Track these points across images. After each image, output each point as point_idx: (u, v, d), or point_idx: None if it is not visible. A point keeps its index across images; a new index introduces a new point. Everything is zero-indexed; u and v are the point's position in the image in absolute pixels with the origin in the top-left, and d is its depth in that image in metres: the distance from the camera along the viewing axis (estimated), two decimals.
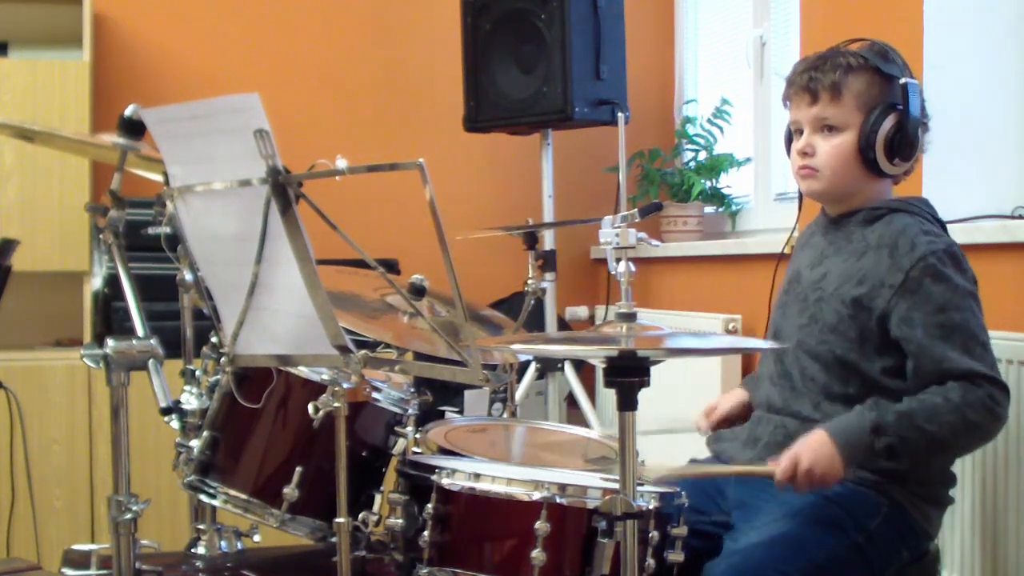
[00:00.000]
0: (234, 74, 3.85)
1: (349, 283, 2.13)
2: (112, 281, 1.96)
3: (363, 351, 1.64)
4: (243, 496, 1.93)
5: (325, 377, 1.79)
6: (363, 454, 1.98)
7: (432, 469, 1.79)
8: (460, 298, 1.56)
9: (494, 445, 2.25)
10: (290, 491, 1.88)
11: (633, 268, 1.57)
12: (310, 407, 1.67)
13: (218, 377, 2.03)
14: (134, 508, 1.85)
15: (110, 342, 1.83)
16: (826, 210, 2.07)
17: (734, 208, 3.76)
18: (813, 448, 1.80)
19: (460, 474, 1.76)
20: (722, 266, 3.51)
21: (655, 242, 1.65)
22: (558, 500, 1.69)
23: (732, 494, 1.99)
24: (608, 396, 3.60)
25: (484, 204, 4.01)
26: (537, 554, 1.66)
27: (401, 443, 1.94)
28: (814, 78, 1.95)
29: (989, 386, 1.81)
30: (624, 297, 1.58)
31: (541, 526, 1.66)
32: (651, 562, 1.72)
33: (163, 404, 1.87)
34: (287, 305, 1.64)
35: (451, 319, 2.12)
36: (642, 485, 1.80)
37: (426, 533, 1.74)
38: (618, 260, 1.58)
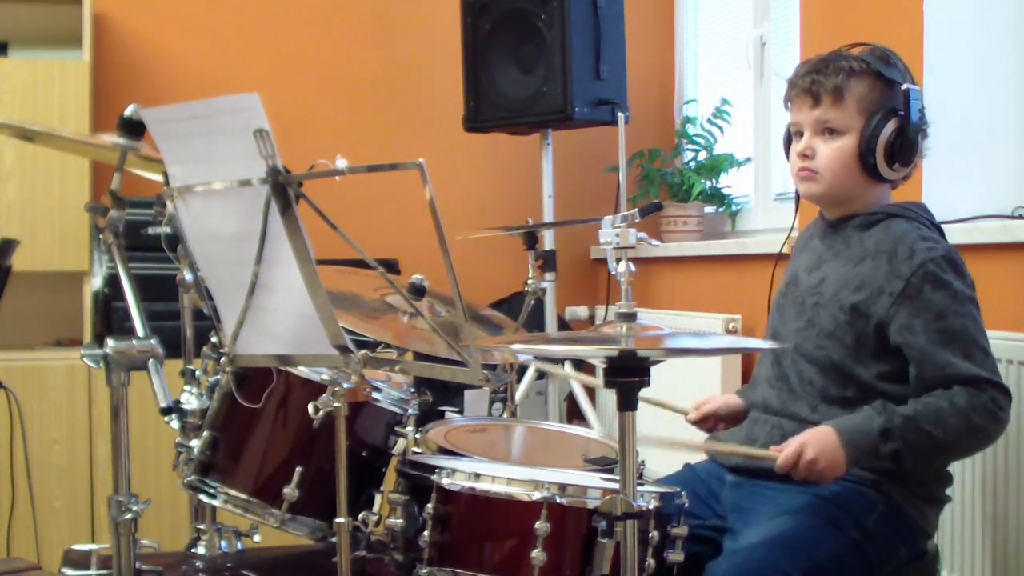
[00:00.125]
0: (234, 74, 3.85)
1: (349, 283, 2.13)
2: (112, 281, 1.96)
3: (363, 351, 1.64)
4: (243, 496, 1.93)
5: (325, 377, 1.79)
6: (363, 454, 1.98)
7: (432, 469, 1.79)
8: (460, 298, 1.56)
9: (494, 445, 2.26)
10: (290, 491, 1.88)
11: (633, 268, 1.57)
12: (310, 407, 1.67)
13: (218, 377, 2.03)
14: (134, 508, 1.85)
15: (110, 342, 1.83)
16: (824, 213, 2.07)
17: (734, 208, 3.76)
18: (819, 441, 1.81)
19: (460, 474, 1.76)
20: (722, 266, 3.51)
21: (655, 242, 1.65)
22: (558, 500, 1.69)
23: (728, 498, 2.00)
24: (608, 396, 3.59)
25: (484, 204, 4.01)
26: (537, 554, 1.66)
27: (401, 443, 1.94)
28: (816, 81, 1.95)
29: (992, 390, 1.82)
30: (624, 297, 1.58)
31: (541, 526, 1.66)
32: (651, 562, 1.72)
33: (163, 404, 1.87)
34: (287, 305, 1.64)
35: (451, 319, 2.12)
36: (643, 485, 1.80)
37: (426, 533, 1.74)
38: (618, 260, 1.58)
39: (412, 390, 2.03)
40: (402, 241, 3.49)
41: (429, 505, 1.75)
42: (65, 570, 2.15)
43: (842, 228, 2.01)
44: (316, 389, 1.82)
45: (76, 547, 2.22)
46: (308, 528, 1.93)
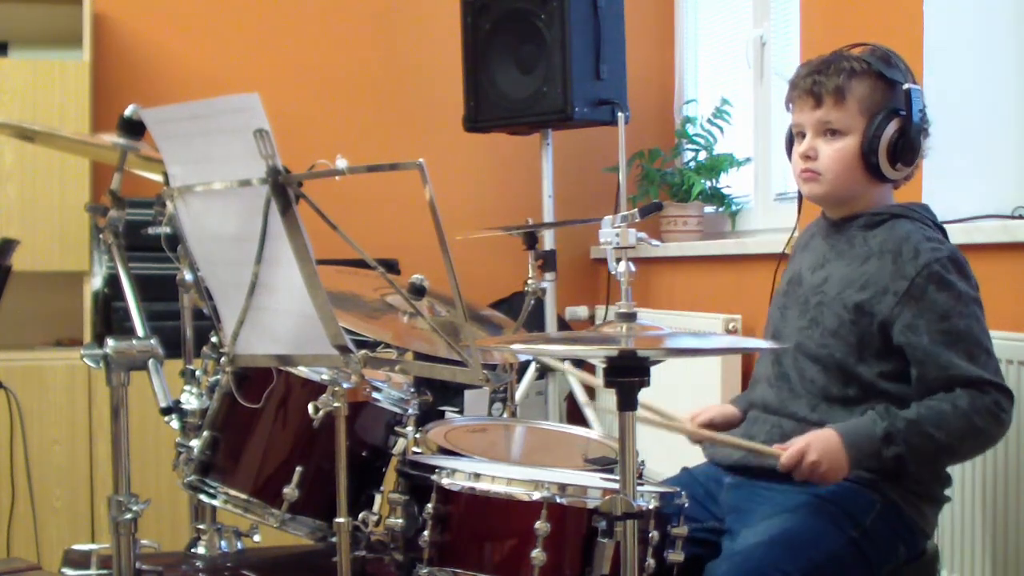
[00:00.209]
0: (234, 74, 3.85)
1: (349, 283, 2.13)
2: (112, 281, 1.96)
3: (363, 351, 1.64)
4: (243, 496, 1.93)
5: (325, 377, 1.78)
6: (363, 454, 1.98)
7: (432, 469, 1.79)
8: (460, 298, 1.56)
9: (494, 445, 2.26)
10: (290, 491, 1.88)
11: (633, 268, 1.57)
12: (310, 407, 1.67)
13: (218, 377, 2.03)
14: (134, 508, 1.85)
15: (110, 342, 1.83)
16: (826, 213, 2.07)
17: (734, 208, 3.76)
18: (823, 443, 1.81)
19: (460, 474, 1.76)
20: (722, 266, 3.51)
21: (655, 242, 1.65)
22: (558, 500, 1.69)
23: (725, 499, 2.00)
24: (608, 396, 3.59)
25: (484, 204, 4.01)
26: (537, 554, 1.66)
27: (401, 443, 1.94)
28: (818, 82, 1.95)
29: (995, 392, 1.82)
30: (624, 297, 1.58)
31: (541, 526, 1.66)
32: (651, 562, 1.72)
33: (163, 404, 1.87)
34: (287, 305, 1.64)
35: (451, 319, 2.12)
36: (643, 485, 1.80)
37: (426, 533, 1.74)
38: (618, 260, 1.58)
39: (412, 390, 2.03)
40: (402, 241, 3.49)
41: (429, 505, 1.75)
42: (65, 570, 2.15)
43: (846, 228, 2.01)
44: (316, 389, 1.82)
45: (76, 547, 2.22)
46: (308, 528, 1.93)
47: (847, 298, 1.92)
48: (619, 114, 1.70)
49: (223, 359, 1.77)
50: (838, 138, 1.95)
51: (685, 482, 2.06)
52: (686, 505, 1.81)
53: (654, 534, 1.73)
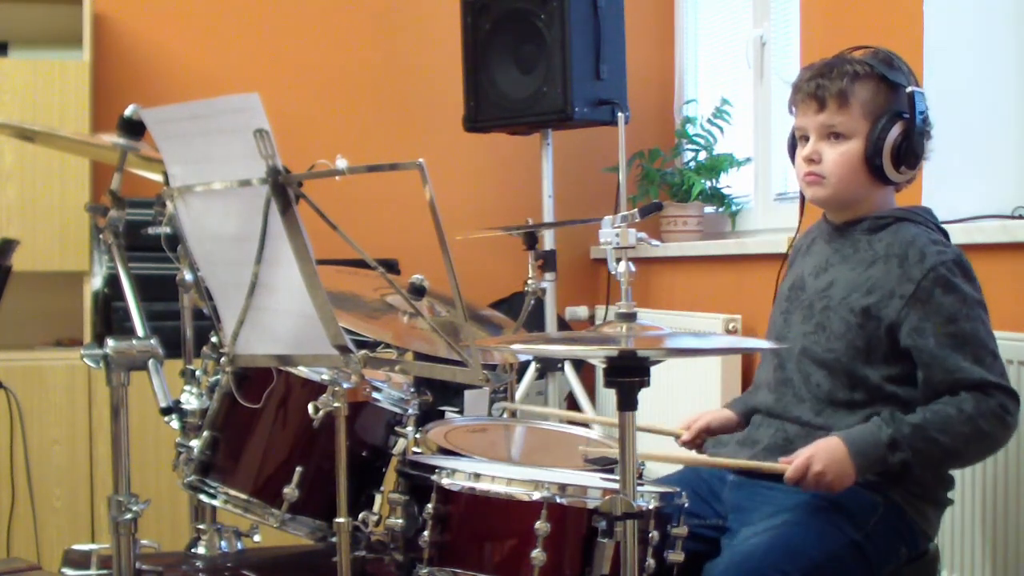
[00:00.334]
0: (234, 74, 3.85)
1: (349, 283, 2.13)
2: (112, 281, 1.96)
3: (363, 351, 1.64)
4: (243, 496, 1.93)
5: (325, 377, 1.78)
6: (363, 454, 1.98)
7: (432, 469, 1.79)
8: (460, 298, 1.56)
9: (494, 445, 2.26)
10: (290, 491, 1.88)
11: (633, 268, 1.57)
12: (310, 407, 1.68)
13: (218, 377, 2.03)
14: (134, 508, 1.85)
15: (110, 342, 1.83)
16: (828, 217, 2.07)
17: (734, 208, 3.76)
18: (828, 453, 1.81)
19: (460, 474, 1.76)
20: (722, 266, 3.51)
21: (655, 242, 1.65)
22: (558, 500, 1.69)
23: (727, 498, 2.00)
24: (608, 396, 3.60)
25: (484, 204, 4.01)
26: (537, 554, 1.66)
27: (401, 443, 1.94)
28: (821, 85, 1.95)
29: (1001, 395, 1.82)
30: (624, 297, 1.58)
31: (541, 526, 1.66)
32: (651, 562, 1.72)
33: (163, 404, 1.87)
34: (287, 305, 1.64)
35: (451, 319, 2.12)
36: (643, 485, 1.80)
37: (426, 533, 1.74)
38: (618, 260, 1.58)
39: (412, 390, 2.03)
40: (402, 241, 3.49)
41: (429, 505, 1.75)
42: (65, 570, 2.15)
43: (849, 232, 2.00)
44: (316, 389, 1.82)
45: (76, 547, 2.22)
46: (308, 528, 1.93)
47: (853, 302, 1.92)
48: (619, 114, 1.70)
49: (223, 359, 1.77)
50: (842, 141, 1.95)
51: (689, 477, 2.06)
52: (686, 505, 1.81)
53: (654, 534, 1.73)
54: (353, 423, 1.90)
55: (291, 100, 3.86)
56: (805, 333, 1.99)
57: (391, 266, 3.61)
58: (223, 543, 2.19)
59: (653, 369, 1.52)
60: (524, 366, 3.48)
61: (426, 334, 2.03)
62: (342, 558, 1.66)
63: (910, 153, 1.94)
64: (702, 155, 3.83)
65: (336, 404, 1.65)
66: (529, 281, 2.54)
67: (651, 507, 1.72)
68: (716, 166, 3.75)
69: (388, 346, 2.02)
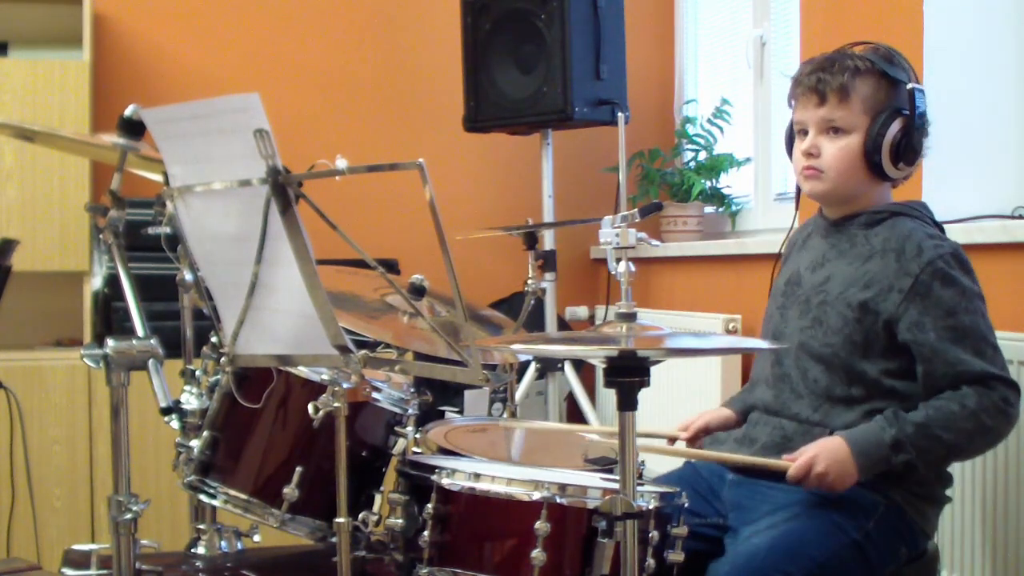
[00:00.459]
0: (234, 74, 3.85)
1: (349, 283, 2.13)
2: (112, 281, 1.96)
3: (363, 351, 1.64)
4: (243, 496, 1.93)
5: (325, 377, 1.78)
6: (363, 454, 1.97)
7: (432, 469, 1.79)
8: (460, 298, 1.56)
9: (494, 445, 2.26)
10: (290, 491, 1.88)
11: (633, 268, 1.57)
12: (310, 407, 1.68)
13: (218, 377, 2.03)
14: (134, 508, 1.84)
15: (110, 342, 1.83)
16: (824, 212, 2.07)
17: (734, 208, 3.76)
18: (830, 453, 1.81)
19: (460, 474, 1.76)
20: (722, 266, 3.51)
21: (655, 242, 1.65)
22: (558, 500, 1.69)
23: (728, 496, 2.00)
24: (608, 396, 3.60)
25: (484, 204, 4.01)
26: (537, 554, 1.66)
27: (401, 443, 1.94)
28: (822, 79, 1.95)
29: (1003, 388, 1.83)
30: (624, 297, 1.58)
31: (541, 526, 1.66)
32: (651, 562, 1.71)
33: (163, 404, 1.87)
34: (287, 305, 1.64)
35: (451, 319, 2.12)
36: (643, 485, 1.80)
37: (426, 533, 1.74)
38: (618, 260, 1.58)
39: (412, 390, 2.03)
40: (402, 241, 3.49)
41: (429, 505, 1.75)
42: (65, 570, 2.15)
43: (845, 227, 2.00)
44: (316, 389, 1.82)
45: (76, 547, 2.22)
46: (308, 528, 1.93)
47: (851, 297, 1.92)
48: (619, 114, 1.70)
49: (223, 359, 1.77)
50: (841, 136, 1.95)
51: (689, 476, 2.07)
52: (686, 505, 1.80)
53: (654, 534, 1.72)
54: (353, 423, 1.90)
55: (291, 100, 3.86)
56: (802, 328, 1.98)
57: (391, 266, 3.61)
58: (223, 543, 2.19)
59: (653, 369, 1.52)
60: (524, 366, 3.48)
61: (426, 334, 2.03)
62: (342, 558, 1.66)
63: (909, 150, 1.95)
64: (702, 155, 3.83)
65: (336, 404, 1.65)
66: (529, 281, 2.54)
67: (651, 507, 1.72)
68: (716, 166, 3.75)
69: (388, 346, 2.02)
